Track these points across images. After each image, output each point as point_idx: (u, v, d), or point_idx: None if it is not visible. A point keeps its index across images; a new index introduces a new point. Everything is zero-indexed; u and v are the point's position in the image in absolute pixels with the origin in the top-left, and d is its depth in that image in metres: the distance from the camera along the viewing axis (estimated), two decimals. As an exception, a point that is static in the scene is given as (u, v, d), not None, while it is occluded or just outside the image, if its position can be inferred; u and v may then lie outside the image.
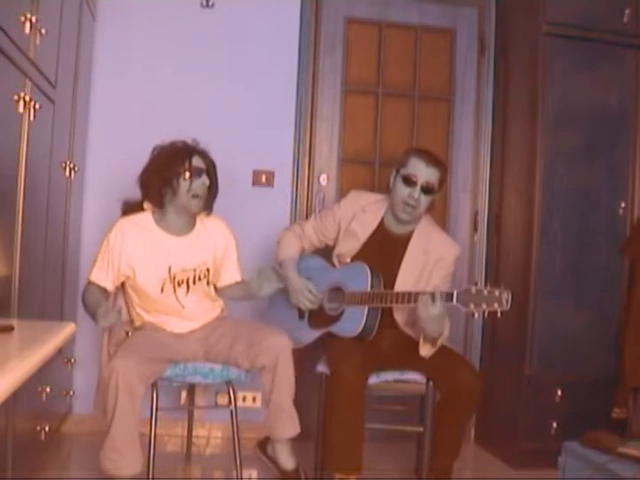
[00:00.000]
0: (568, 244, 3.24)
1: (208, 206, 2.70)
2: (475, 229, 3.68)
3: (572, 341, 3.23)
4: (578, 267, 3.24)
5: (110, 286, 2.63)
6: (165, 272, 2.64)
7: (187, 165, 2.59)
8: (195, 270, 2.68)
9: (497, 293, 2.40)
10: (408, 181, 2.73)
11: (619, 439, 2.64)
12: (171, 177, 2.58)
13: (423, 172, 2.71)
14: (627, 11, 3.22)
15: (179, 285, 2.66)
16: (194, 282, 2.68)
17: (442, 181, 2.78)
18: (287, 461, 2.70)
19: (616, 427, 2.92)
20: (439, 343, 2.64)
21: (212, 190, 2.67)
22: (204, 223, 2.74)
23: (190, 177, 2.59)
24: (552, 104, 3.21)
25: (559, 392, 3.20)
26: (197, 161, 2.62)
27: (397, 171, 2.78)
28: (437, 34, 3.67)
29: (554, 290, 3.22)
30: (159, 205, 2.64)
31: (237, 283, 2.82)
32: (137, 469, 2.45)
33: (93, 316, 2.48)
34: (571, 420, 3.13)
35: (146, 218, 2.66)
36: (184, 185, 2.58)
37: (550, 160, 3.22)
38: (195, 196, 2.60)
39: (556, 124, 3.22)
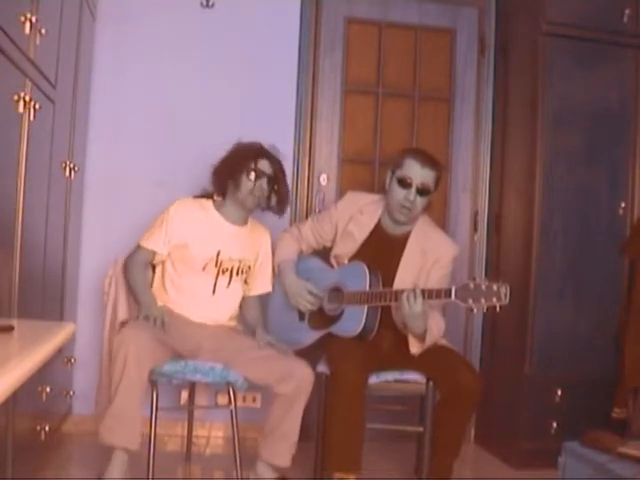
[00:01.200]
0: (568, 244, 3.24)
1: (280, 211, 2.85)
2: (475, 229, 3.68)
3: (572, 341, 3.23)
4: (578, 267, 3.24)
5: (165, 251, 2.75)
6: (213, 254, 2.73)
7: (252, 165, 2.73)
8: (240, 262, 2.79)
9: (495, 287, 2.39)
10: (403, 183, 2.72)
11: (619, 439, 2.64)
12: (236, 172, 2.73)
13: (418, 173, 2.71)
14: (627, 11, 3.22)
15: (223, 273, 2.75)
16: (237, 274, 2.78)
17: (438, 181, 2.77)
18: (269, 474, 2.69)
19: (616, 427, 2.92)
20: (428, 340, 2.64)
21: (278, 195, 2.80)
22: (254, 226, 2.88)
23: (251, 177, 2.72)
24: (552, 104, 3.21)
25: (559, 392, 3.20)
26: (263, 164, 2.76)
27: (392, 172, 2.78)
28: (437, 34, 3.67)
29: (554, 290, 3.22)
30: (222, 194, 2.81)
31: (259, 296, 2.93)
32: (134, 444, 2.45)
33: (133, 296, 2.75)
34: (571, 420, 3.13)
35: (206, 202, 2.82)
36: (244, 182, 2.73)
37: (550, 160, 3.22)
38: (252, 195, 2.73)
39: (556, 124, 3.22)
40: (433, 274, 2.76)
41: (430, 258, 2.77)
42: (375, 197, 2.91)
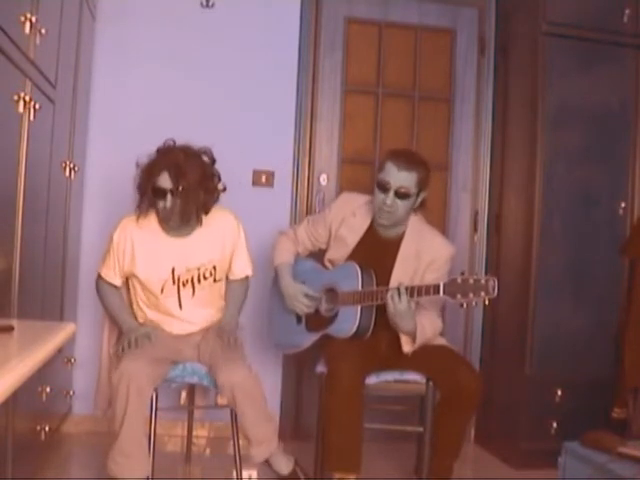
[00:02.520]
0: (568, 244, 3.24)
1: (197, 219, 2.63)
2: (475, 229, 3.68)
3: (572, 341, 3.23)
4: (578, 267, 3.24)
5: (119, 283, 2.71)
6: (167, 273, 2.65)
7: (152, 185, 2.54)
8: (199, 269, 2.67)
9: (483, 281, 2.39)
10: (381, 187, 2.69)
11: (619, 439, 2.64)
12: (144, 195, 2.57)
13: (395, 177, 2.66)
14: (627, 11, 3.22)
15: (184, 285, 2.67)
16: (199, 281, 2.67)
17: (421, 182, 2.70)
18: (282, 467, 2.67)
19: (616, 427, 2.92)
20: (419, 338, 2.63)
21: (188, 203, 2.53)
22: (209, 219, 2.68)
23: (155, 199, 2.55)
24: (552, 104, 3.21)
25: (559, 392, 3.20)
26: (163, 180, 2.52)
27: (376, 177, 2.77)
28: (437, 34, 3.67)
29: (554, 290, 3.22)
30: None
31: (245, 278, 2.82)
32: (144, 473, 2.44)
33: (112, 320, 2.73)
34: (571, 420, 3.13)
35: (150, 219, 2.64)
36: (155, 204, 2.56)
37: (550, 160, 3.22)
38: (167, 214, 2.55)
39: (556, 124, 3.22)
40: (428, 275, 2.72)
41: (424, 259, 2.74)
42: (369, 198, 2.85)
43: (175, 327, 2.72)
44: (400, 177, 2.66)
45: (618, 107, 3.28)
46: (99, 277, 2.74)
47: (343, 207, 2.88)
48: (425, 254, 2.75)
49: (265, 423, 2.59)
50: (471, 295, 2.40)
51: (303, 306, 2.82)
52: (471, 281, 2.40)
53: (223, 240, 2.72)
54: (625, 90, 3.28)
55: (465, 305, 2.48)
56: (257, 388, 2.53)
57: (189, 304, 2.70)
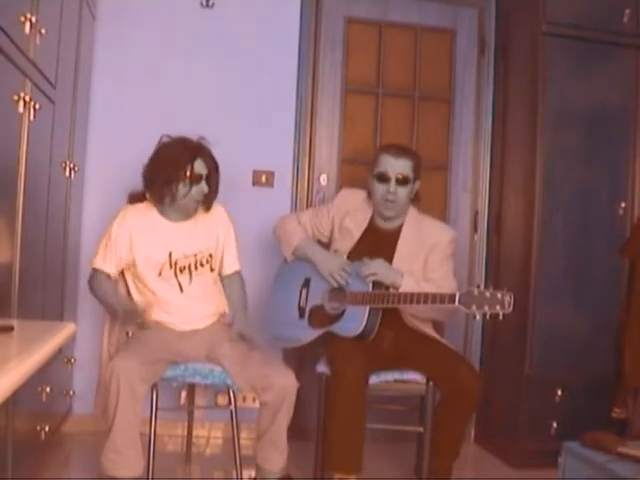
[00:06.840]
0: (568, 244, 3.24)
1: (207, 206, 2.74)
2: (475, 229, 3.68)
3: (572, 341, 3.23)
4: (578, 267, 3.25)
5: (113, 271, 2.68)
6: (164, 257, 2.66)
7: (188, 172, 2.61)
8: (196, 255, 2.71)
9: (499, 295, 2.41)
10: (381, 178, 2.77)
11: (619, 439, 2.64)
12: (171, 181, 2.61)
13: (392, 166, 2.76)
14: (627, 11, 3.22)
15: (181, 271, 2.69)
16: (196, 268, 2.71)
17: (416, 169, 2.80)
18: (275, 475, 2.67)
19: (616, 427, 2.92)
20: (407, 277, 2.67)
21: (211, 192, 2.69)
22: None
23: (190, 184, 2.62)
24: (552, 104, 3.21)
25: (559, 392, 3.20)
26: (199, 166, 2.64)
27: (372, 172, 2.82)
28: (437, 34, 3.67)
29: (554, 290, 3.22)
30: (159, 202, 2.67)
31: (237, 273, 2.86)
32: (138, 471, 2.44)
33: (110, 311, 2.67)
34: (571, 420, 3.13)
35: (149, 206, 2.71)
36: (182, 190, 2.62)
37: (550, 160, 3.22)
38: (193, 200, 2.65)
39: (556, 124, 3.23)
40: (431, 258, 2.79)
41: (426, 244, 2.80)
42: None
43: (177, 320, 2.68)
44: (398, 164, 2.76)
45: (618, 107, 3.28)
46: (93, 270, 2.69)
47: (345, 202, 2.93)
48: (426, 239, 2.80)
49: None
50: (486, 308, 2.42)
51: (342, 279, 2.78)
52: (487, 294, 2.42)
53: (217, 230, 2.79)
54: (625, 90, 3.28)
55: (478, 317, 2.49)
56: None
57: (189, 290, 2.69)
